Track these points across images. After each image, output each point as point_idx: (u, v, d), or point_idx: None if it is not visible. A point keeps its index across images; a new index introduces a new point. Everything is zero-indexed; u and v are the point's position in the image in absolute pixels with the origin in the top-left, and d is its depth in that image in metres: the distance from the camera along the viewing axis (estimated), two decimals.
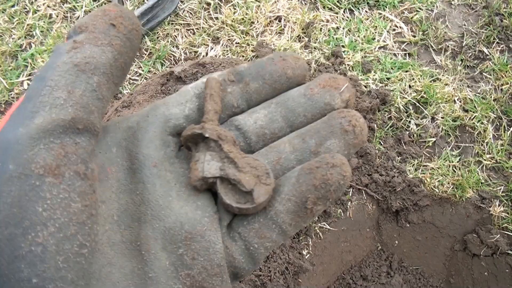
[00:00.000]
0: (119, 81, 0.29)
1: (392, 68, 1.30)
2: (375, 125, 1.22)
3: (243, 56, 1.24)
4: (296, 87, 0.33)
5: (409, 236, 1.22)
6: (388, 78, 1.28)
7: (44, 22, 1.28)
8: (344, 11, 1.36)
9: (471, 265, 1.20)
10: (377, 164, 1.18)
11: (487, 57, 1.36)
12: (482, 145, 1.25)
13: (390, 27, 1.36)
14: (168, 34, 1.28)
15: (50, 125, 0.24)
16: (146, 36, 1.26)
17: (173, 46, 1.27)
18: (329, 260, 1.17)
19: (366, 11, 1.37)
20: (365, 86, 1.26)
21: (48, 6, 1.30)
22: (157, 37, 1.28)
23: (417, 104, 1.27)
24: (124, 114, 0.96)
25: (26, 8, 1.30)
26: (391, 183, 1.16)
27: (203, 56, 1.24)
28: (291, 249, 1.09)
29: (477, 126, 1.26)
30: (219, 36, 1.27)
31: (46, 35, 1.27)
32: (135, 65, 1.24)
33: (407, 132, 1.25)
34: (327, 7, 1.36)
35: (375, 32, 1.34)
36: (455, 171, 1.22)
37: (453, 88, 1.29)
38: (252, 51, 1.25)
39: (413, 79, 1.29)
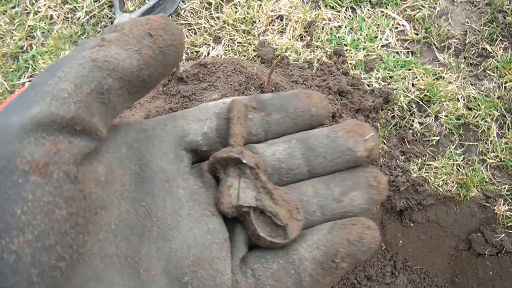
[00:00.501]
0: (136, 92, 0.26)
1: (394, 67, 1.29)
2: (378, 124, 1.21)
3: (244, 56, 1.24)
4: (320, 128, 0.32)
5: (414, 236, 1.22)
6: (391, 77, 1.27)
7: (45, 23, 1.28)
8: (346, 10, 1.35)
9: (475, 265, 1.19)
10: (380, 163, 1.17)
11: (491, 54, 1.35)
12: (486, 143, 1.25)
13: (393, 25, 1.35)
14: None
15: (46, 118, 0.21)
16: None
17: None
18: None
19: (368, 9, 1.36)
20: (368, 85, 1.25)
21: (49, 7, 1.29)
22: None
23: (421, 102, 1.26)
24: (125, 115, 0.95)
25: (27, 10, 1.29)
26: (395, 182, 1.15)
27: (205, 56, 1.23)
28: None
29: (481, 124, 1.25)
30: (221, 36, 1.26)
31: (47, 37, 1.26)
32: None
33: (411, 131, 1.24)
34: (329, 6, 1.35)
35: (378, 31, 1.33)
36: (459, 170, 1.21)
37: (457, 86, 1.28)
38: (254, 50, 1.24)
39: (416, 77, 1.28)
